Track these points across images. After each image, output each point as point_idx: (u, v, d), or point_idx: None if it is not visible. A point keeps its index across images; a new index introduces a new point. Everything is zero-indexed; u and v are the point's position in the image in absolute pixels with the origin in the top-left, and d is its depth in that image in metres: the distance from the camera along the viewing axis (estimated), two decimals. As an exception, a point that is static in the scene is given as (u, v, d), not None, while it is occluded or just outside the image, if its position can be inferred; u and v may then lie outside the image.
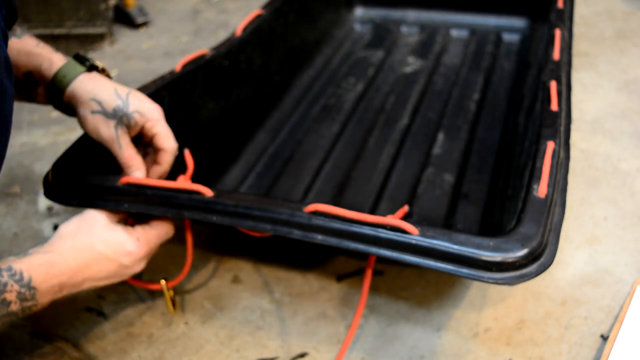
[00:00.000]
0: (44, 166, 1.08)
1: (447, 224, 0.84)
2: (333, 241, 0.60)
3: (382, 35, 1.36)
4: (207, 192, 0.65)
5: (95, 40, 1.50)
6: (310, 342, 0.74)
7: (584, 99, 1.16)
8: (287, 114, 1.11)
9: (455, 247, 0.56)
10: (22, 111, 1.24)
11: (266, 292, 0.81)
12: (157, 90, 0.82)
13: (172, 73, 0.87)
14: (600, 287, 0.78)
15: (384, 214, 0.71)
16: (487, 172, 0.92)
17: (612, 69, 1.25)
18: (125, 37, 1.58)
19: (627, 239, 0.85)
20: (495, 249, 0.55)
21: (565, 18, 0.99)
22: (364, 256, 0.78)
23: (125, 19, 1.64)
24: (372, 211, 0.87)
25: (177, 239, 0.91)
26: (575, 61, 1.25)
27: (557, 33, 0.93)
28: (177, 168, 0.77)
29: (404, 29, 1.38)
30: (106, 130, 0.69)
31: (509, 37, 1.30)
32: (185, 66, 0.89)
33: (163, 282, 0.74)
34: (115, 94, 0.70)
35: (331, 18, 1.37)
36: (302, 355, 0.72)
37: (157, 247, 0.70)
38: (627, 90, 1.18)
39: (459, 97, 1.12)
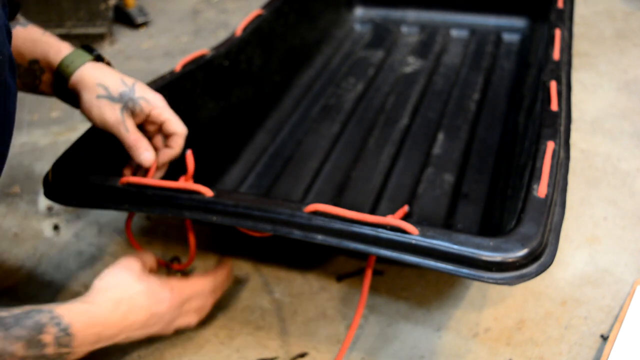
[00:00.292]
0: (44, 166, 1.08)
1: (447, 224, 0.84)
2: (333, 241, 0.60)
3: (382, 35, 1.36)
4: (207, 192, 0.65)
5: (95, 40, 1.50)
6: (310, 342, 0.74)
7: (584, 99, 1.16)
8: (287, 114, 1.11)
9: (455, 247, 0.56)
10: (22, 111, 1.24)
11: (266, 292, 0.81)
12: (157, 90, 0.82)
13: (172, 73, 0.87)
14: (600, 287, 0.78)
15: (384, 214, 0.71)
16: (487, 172, 0.92)
17: (612, 69, 1.25)
18: (125, 37, 1.58)
19: (627, 239, 0.85)
20: (495, 249, 0.55)
21: (565, 18, 0.99)
22: (364, 256, 0.78)
23: (125, 19, 1.64)
24: (372, 211, 0.87)
25: (179, 238, 0.91)
26: (575, 61, 1.25)
27: (557, 33, 0.93)
28: (179, 169, 0.77)
29: (404, 29, 1.38)
30: (112, 114, 0.69)
31: (509, 37, 1.30)
32: (185, 66, 0.89)
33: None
34: (122, 82, 0.71)
35: (331, 18, 1.37)
36: (302, 355, 0.72)
37: (201, 299, 0.69)
38: (627, 90, 1.18)
39: (459, 97, 1.12)
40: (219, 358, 0.72)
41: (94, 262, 0.87)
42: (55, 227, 0.94)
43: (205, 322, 0.77)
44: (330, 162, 0.98)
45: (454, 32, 1.35)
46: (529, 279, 0.55)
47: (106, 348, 0.75)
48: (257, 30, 1.06)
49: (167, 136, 0.75)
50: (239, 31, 1.02)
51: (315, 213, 0.61)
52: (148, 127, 0.74)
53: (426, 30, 1.36)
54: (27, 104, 1.26)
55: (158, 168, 0.75)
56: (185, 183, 0.67)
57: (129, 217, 0.75)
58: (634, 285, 0.76)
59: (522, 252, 0.55)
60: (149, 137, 0.75)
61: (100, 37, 1.50)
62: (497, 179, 0.90)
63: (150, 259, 0.70)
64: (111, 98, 0.69)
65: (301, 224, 0.61)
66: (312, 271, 0.83)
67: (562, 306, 0.76)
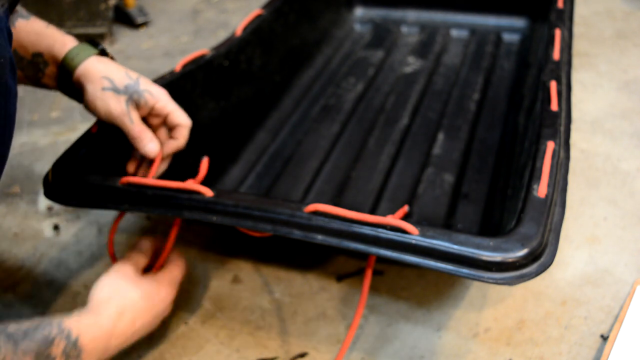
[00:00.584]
0: (44, 166, 1.08)
1: (447, 224, 0.84)
2: (333, 241, 0.60)
3: (382, 35, 1.36)
4: (207, 192, 0.65)
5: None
6: (310, 342, 0.74)
7: (584, 99, 1.16)
8: (287, 114, 1.11)
9: (455, 247, 0.56)
10: (22, 111, 1.24)
11: (266, 292, 0.81)
12: (157, 90, 0.83)
13: (172, 73, 0.87)
14: (600, 287, 0.78)
15: (384, 214, 0.71)
16: (487, 172, 0.92)
17: (612, 69, 1.25)
18: (125, 37, 1.58)
19: (627, 239, 0.85)
20: (495, 249, 0.55)
21: (565, 18, 0.99)
22: (364, 256, 0.78)
23: (125, 19, 1.64)
24: (372, 211, 0.87)
25: (178, 238, 0.91)
26: (575, 61, 1.25)
27: (557, 33, 0.93)
28: (188, 173, 0.78)
29: (404, 29, 1.38)
30: (117, 105, 0.70)
31: (509, 37, 1.30)
32: (185, 66, 0.89)
33: None
34: (126, 75, 0.71)
35: (331, 18, 1.37)
36: (302, 355, 0.72)
37: (176, 289, 0.71)
38: (627, 90, 1.18)
39: (459, 97, 1.12)
40: (219, 358, 0.72)
41: (94, 261, 0.87)
42: (55, 227, 0.94)
43: (205, 322, 0.77)
44: (330, 162, 0.98)
45: (454, 32, 1.35)
46: (529, 279, 0.55)
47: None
48: (257, 30, 1.06)
49: (171, 128, 0.76)
50: (239, 31, 1.02)
51: (315, 213, 0.61)
52: (152, 120, 0.75)
53: (426, 30, 1.36)
54: (27, 104, 1.26)
55: (162, 159, 0.76)
56: (185, 183, 0.67)
57: (117, 218, 0.74)
58: (634, 285, 0.76)
59: (522, 252, 0.55)
60: (153, 130, 0.76)
61: (100, 37, 1.50)
62: (497, 179, 0.90)
63: (142, 259, 0.70)
64: (116, 90, 0.70)
65: (301, 224, 0.61)
66: (312, 271, 0.83)
67: (562, 306, 0.76)
